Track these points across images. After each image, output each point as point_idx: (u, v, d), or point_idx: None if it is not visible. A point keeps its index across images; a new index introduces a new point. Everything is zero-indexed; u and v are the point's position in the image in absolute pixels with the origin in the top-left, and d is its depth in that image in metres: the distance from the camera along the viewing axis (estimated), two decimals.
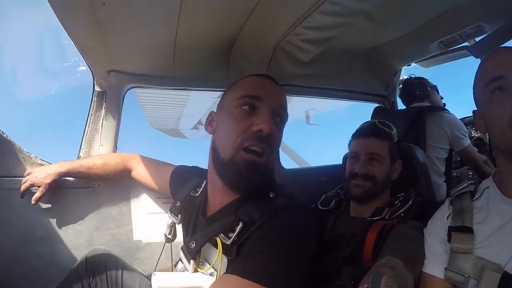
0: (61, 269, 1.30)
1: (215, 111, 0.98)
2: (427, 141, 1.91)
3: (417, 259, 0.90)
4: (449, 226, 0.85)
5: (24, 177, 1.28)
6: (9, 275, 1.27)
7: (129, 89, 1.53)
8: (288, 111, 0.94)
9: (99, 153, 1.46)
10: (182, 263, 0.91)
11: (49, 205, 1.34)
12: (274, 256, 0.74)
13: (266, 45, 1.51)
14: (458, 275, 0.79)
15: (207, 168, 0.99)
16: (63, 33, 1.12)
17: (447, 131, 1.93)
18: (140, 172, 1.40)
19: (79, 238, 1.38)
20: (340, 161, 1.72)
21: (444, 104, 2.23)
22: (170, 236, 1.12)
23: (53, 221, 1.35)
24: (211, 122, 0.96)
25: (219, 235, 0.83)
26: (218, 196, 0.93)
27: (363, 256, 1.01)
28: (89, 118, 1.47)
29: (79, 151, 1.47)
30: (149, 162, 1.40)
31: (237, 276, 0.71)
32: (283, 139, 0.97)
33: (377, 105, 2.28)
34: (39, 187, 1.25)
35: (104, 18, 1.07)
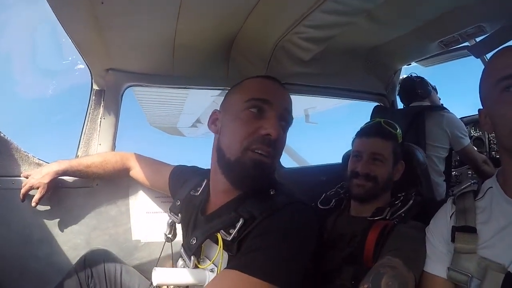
0: (59, 270, 1.29)
1: (218, 109, 0.97)
2: (427, 140, 1.91)
3: (418, 259, 0.90)
4: (452, 226, 0.85)
5: (21, 176, 1.27)
6: (7, 276, 1.26)
7: (128, 87, 1.52)
8: None
9: (97, 152, 1.44)
10: (183, 259, 0.91)
11: (48, 206, 1.33)
12: (275, 252, 0.75)
13: (266, 43, 1.49)
14: (461, 275, 0.78)
15: (205, 167, 0.99)
16: (60, 31, 1.10)
17: (447, 130, 1.93)
18: (139, 171, 1.39)
19: (78, 238, 1.37)
20: (339, 160, 1.72)
21: (442, 105, 2.23)
22: (170, 236, 1.12)
23: (51, 222, 1.34)
24: (215, 121, 0.96)
25: (220, 231, 0.83)
26: (220, 194, 0.93)
27: (363, 256, 1.01)
28: (87, 117, 1.46)
29: (77, 150, 1.45)
30: (148, 161, 1.40)
31: (237, 271, 0.72)
32: None
33: (376, 104, 2.28)
34: (38, 188, 1.24)
35: (102, 16, 1.06)
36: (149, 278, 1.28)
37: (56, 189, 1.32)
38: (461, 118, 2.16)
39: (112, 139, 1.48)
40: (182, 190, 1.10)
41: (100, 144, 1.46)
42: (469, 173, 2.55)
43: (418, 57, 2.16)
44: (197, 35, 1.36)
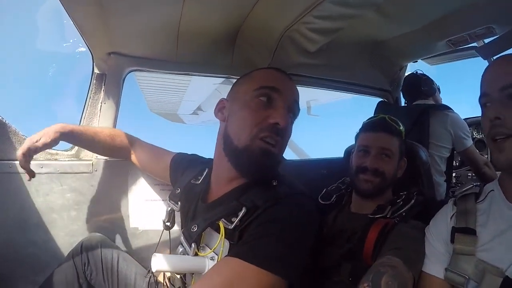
0: (56, 255, 1.30)
1: (219, 97, 0.98)
2: (430, 139, 1.89)
3: (418, 258, 0.90)
4: (452, 227, 0.85)
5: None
6: (3, 261, 1.25)
7: (130, 72, 1.49)
8: None
9: None
10: (183, 246, 0.90)
11: (46, 191, 1.32)
12: (277, 241, 0.75)
13: (273, 32, 1.47)
14: (459, 276, 0.79)
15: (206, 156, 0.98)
16: (62, 12, 1.08)
17: (450, 130, 1.92)
18: (140, 157, 1.38)
19: (75, 224, 1.36)
20: (340, 154, 1.71)
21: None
22: (168, 224, 1.11)
23: (49, 207, 1.32)
24: (221, 109, 0.96)
25: (222, 220, 0.83)
26: (223, 183, 0.93)
27: (363, 253, 1.01)
28: (87, 101, 1.43)
29: None
30: (150, 148, 1.38)
31: (238, 259, 0.72)
32: None
33: (380, 99, 2.26)
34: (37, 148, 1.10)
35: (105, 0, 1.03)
36: (146, 265, 1.28)
37: (54, 174, 1.31)
38: (464, 119, 2.15)
39: (113, 124, 1.46)
40: (183, 178, 1.10)
41: None
42: (469, 175, 2.55)
43: (425, 55, 2.13)
44: (202, 21, 1.34)
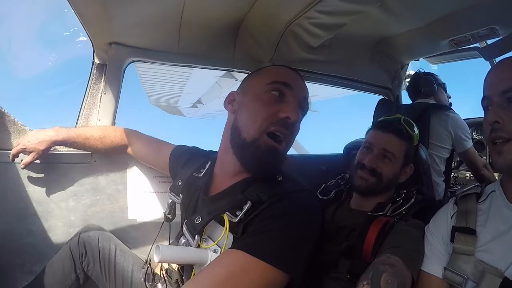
0: (53, 245, 1.30)
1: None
2: (430, 139, 1.89)
3: (417, 257, 0.90)
4: (453, 226, 0.86)
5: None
6: (1, 250, 1.25)
7: (131, 62, 1.49)
8: None
9: None
10: (185, 238, 0.90)
11: (44, 181, 1.31)
12: (281, 236, 0.75)
13: (275, 26, 1.46)
14: (457, 276, 0.79)
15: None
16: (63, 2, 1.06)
17: (451, 131, 1.92)
18: (139, 149, 1.37)
19: (73, 215, 1.36)
20: (340, 150, 1.71)
21: (451, 104, 2.21)
22: (169, 216, 1.11)
23: (47, 197, 1.32)
24: (232, 101, 0.96)
25: (226, 213, 0.83)
26: (227, 176, 0.93)
27: (362, 250, 1.01)
28: (87, 91, 1.42)
29: (76, 125, 1.43)
30: (148, 140, 1.38)
31: (241, 251, 0.72)
32: None
33: (381, 97, 2.25)
34: (30, 152, 1.21)
35: None
36: (143, 257, 1.28)
37: (53, 164, 1.31)
38: (464, 120, 2.15)
39: (112, 115, 1.45)
40: (184, 171, 1.09)
41: (99, 120, 1.43)
42: (467, 176, 2.56)
43: (427, 54, 2.13)
44: (205, 13, 1.33)
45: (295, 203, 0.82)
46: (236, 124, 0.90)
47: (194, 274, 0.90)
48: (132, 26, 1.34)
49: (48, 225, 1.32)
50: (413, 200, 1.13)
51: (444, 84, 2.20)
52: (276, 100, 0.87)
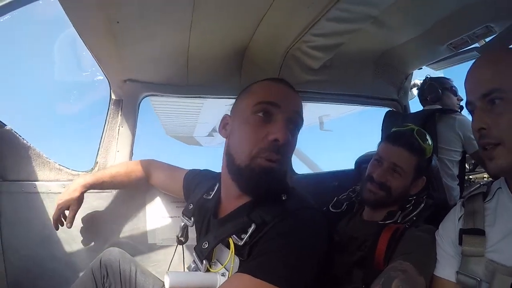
0: (76, 269, 1.35)
1: (228, 114, 0.99)
2: (438, 143, 1.88)
3: (429, 262, 0.89)
4: (460, 229, 0.84)
5: (42, 181, 1.34)
6: (25, 275, 1.32)
7: (145, 97, 1.58)
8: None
9: (115, 158, 1.50)
10: (195, 263, 0.92)
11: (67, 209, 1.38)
12: (285, 256, 0.75)
13: (276, 52, 1.52)
14: (470, 279, 0.78)
15: (219, 171, 1.00)
16: (81, 46, 1.17)
17: (459, 133, 1.90)
18: (157, 177, 1.43)
19: (95, 240, 1.42)
20: (352, 166, 1.72)
21: (462, 106, 2.17)
22: (182, 239, 1.14)
23: None
24: (225, 125, 0.96)
25: (232, 236, 0.84)
26: (232, 199, 0.93)
27: (374, 259, 1.00)
28: (106, 125, 1.52)
29: (96, 157, 1.51)
30: (164, 168, 1.43)
31: (248, 275, 0.72)
32: (297, 145, 0.97)
33: (388, 109, 2.26)
34: (68, 207, 1.27)
35: (118, 32, 1.12)
36: (163, 279, 1.31)
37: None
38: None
39: (130, 146, 1.54)
40: (195, 194, 1.12)
41: (118, 151, 1.51)
42: (485, 177, 2.48)
43: (428, 61, 2.12)
44: (209, 46, 1.41)
45: (299, 220, 0.81)
46: (229, 151, 0.90)
47: None
48: (144, 63, 1.43)
49: (71, 250, 1.38)
50: (422, 205, 1.12)
51: (452, 87, 2.19)
52: (263, 121, 0.85)
